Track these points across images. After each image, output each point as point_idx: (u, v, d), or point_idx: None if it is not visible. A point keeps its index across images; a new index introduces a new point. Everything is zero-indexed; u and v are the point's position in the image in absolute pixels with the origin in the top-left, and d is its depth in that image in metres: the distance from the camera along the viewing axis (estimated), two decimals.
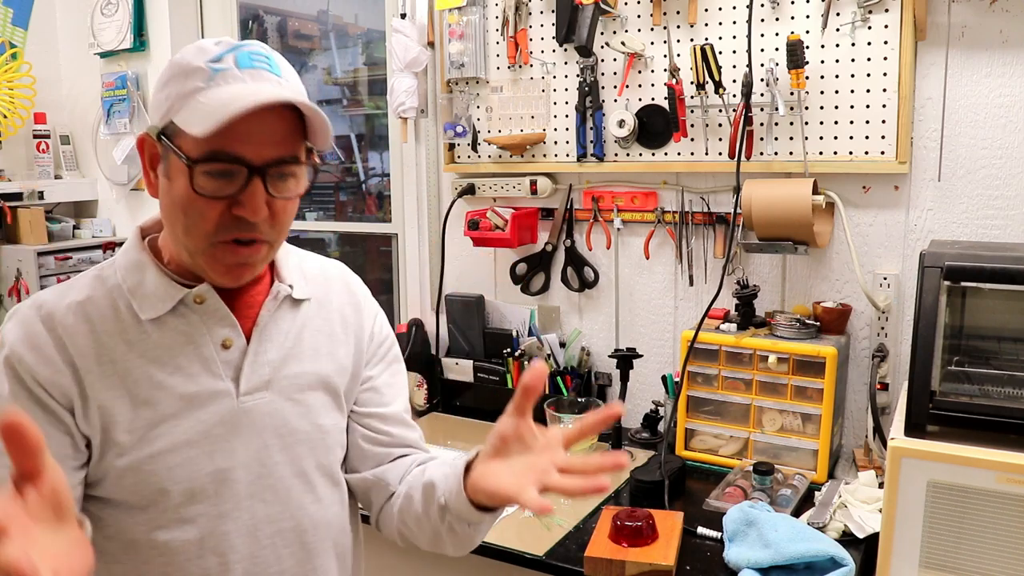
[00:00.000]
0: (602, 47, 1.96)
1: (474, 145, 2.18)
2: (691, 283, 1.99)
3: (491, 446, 0.93)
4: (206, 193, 0.89)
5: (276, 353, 1.02)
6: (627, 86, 1.96)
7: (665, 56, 1.89)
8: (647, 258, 2.04)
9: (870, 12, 1.68)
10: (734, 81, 1.81)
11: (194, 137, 0.86)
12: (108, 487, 0.94)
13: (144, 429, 0.94)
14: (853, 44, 1.71)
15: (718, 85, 1.81)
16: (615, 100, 1.99)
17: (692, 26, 1.87)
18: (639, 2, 1.92)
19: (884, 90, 1.69)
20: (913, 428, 1.26)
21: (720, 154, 1.88)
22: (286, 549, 1.02)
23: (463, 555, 1.08)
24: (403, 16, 2.19)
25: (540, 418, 1.95)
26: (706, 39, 1.83)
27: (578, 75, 2.00)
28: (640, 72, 1.95)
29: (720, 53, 1.82)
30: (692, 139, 1.91)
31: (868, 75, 1.71)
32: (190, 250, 0.94)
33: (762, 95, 1.77)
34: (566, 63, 2.04)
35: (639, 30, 1.93)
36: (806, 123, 1.78)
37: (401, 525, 1.09)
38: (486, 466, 0.93)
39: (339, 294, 1.12)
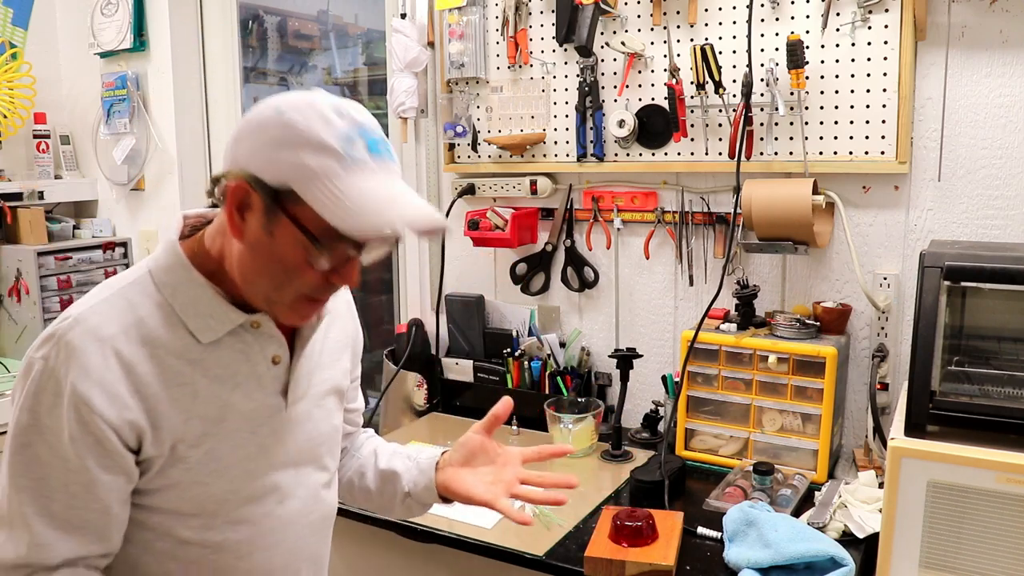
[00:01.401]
0: (602, 47, 1.96)
1: (474, 145, 2.18)
2: (691, 283, 1.99)
3: (460, 455, 1.16)
4: (321, 268, 0.91)
5: (310, 364, 1.08)
6: (627, 86, 1.96)
7: (665, 56, 1.89)
8: (647, 258, 2.04)
9: (870, 12, 1.68)
10: (734, 81, 1.81)
11: (322, 218, 0.86)
12: (168, 498, 0.96)
13: (211, 445, 0.96)
14: (853, 44, 1.71)
15: (718, 85, 1.81)
16: (615, 100, 1.99)
17: (692, 26, 1.87)
18: (639, 2, 1.92)
19: (884, 90, 1.69)
20: (913, 428, 1.26)
21: (720, 154, 1.88)
22: (313, 537, 1.11)
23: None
24: (403, 16, 2.19)
25: (541, 420, 1.95)
26: (706, 39, 1.83)
27: (578, 75, 2.00)
28: (640, 72, 1.95)
29: (720, 53, 1.82)
30: (692, 139, 1.91)
31: (868, 75, 1.71)
32: (270, 300, 0.95)
33: (762, 95, 1.77)
34: (566, 63, 2.04)
35: (639, 30, 1.93)
36: (806, 123, 1.78)
37: (345, 493, 1.26)
38: (456, 472, 1.15)
39: (340, 302, 1.19)
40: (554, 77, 2.06)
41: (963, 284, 1.29)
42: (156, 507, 0.97)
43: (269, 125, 0.88)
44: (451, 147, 2.24)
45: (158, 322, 0.94)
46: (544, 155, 2.11)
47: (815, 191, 1.71)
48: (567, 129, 2.06)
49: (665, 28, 1.89)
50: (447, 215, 2.27)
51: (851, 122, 1.74)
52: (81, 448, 0.89)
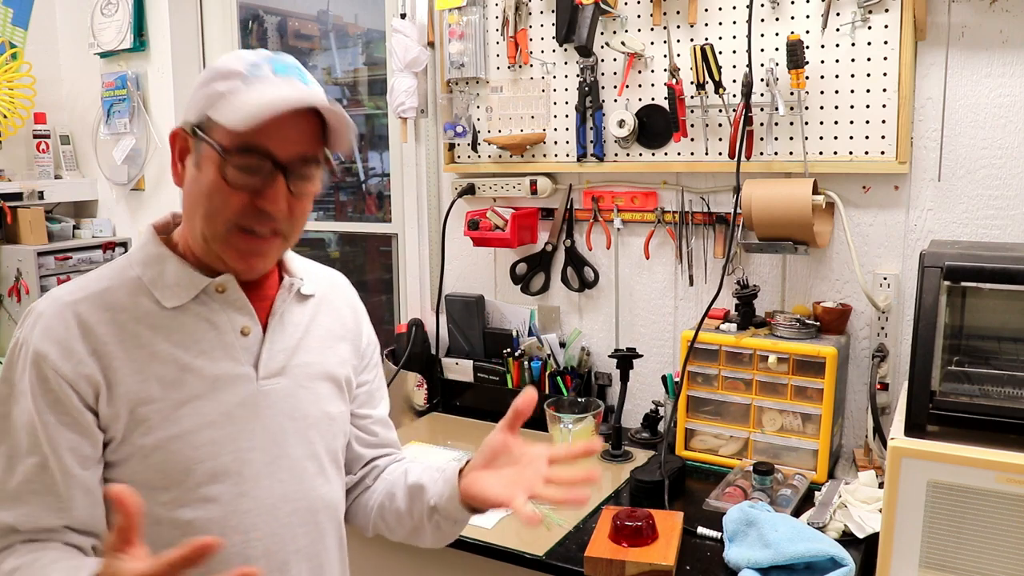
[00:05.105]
0: (602, 47, 1.96)
1: (474, 145, 2.18)
2: (691, 283, 1.99)
3: (482, 457, 1.07)
4: (234, 184, 0.95)
5: (289, 342, 1.08)
6: (627, 86, 1.96)
7: (665, 56, 1.89)
8: (647, 258, 2.04)
9: (870, 12, 1.68)
10: (734, 81, 1.81)
11: (229, 130, 0.93)
12: (133, 467, 0.98)
13: (171, 409, 0.98)
14: (853, 44, 1.71)
15: (718, 85, 1.81)
16: (615, 100, 1.99)
17: (692, 26, 1.87)
18: (639, 2, 1.92)
19: (884, 90, 1.69)
20: (913, 428, 1.26)
21: (720, 154, 1.88)
22: (301, 528, 1.08)
23: (439, 547, 1.20)
24: (403, 16, 2.19)
25: (541, 420, 1.95)
26: (706, 39, 1.83)
27: (578, 75, 2.00)
28: (640, 72, 1.95)
29: (720, 53, 1.82)
30: (692, 139, 1.91)
31: (868, 75, 1.71)
32: (207, 236, 0.99)
33: (762, 95, 1.77)
34: (566, 63, 2.04)
35: (639, 30, 1.93)
36: (806, 123, 1.78)
37: (378, 520, 1.20)
38: (478, 474, 1.06)
39: (340, 297, 1.21)
40: (554, 77, 2.06)
41: (963, 284, 1.29)
42: (127, 481, 0.96)
43: (199, 77, 1.00)
44: (451, 147, 2.24)
45: (125, 292, 1.00)
46: (544, 155, 2.11)
47: (815, 191, 1.71)
48: (567, 129, 2.06)
49: (665, 28, 1.89)
50: (447, 215, 2.27)
51: (851, 122, 1.74)
52: (41, 404, 0.94)
